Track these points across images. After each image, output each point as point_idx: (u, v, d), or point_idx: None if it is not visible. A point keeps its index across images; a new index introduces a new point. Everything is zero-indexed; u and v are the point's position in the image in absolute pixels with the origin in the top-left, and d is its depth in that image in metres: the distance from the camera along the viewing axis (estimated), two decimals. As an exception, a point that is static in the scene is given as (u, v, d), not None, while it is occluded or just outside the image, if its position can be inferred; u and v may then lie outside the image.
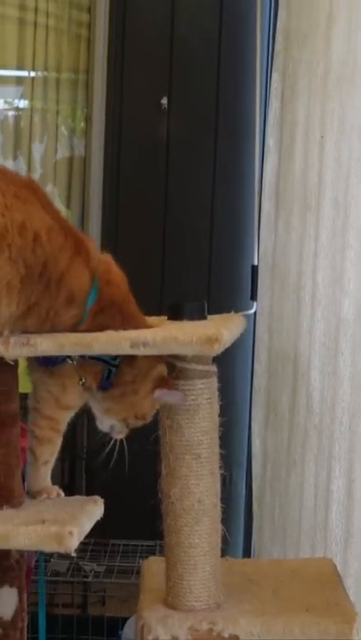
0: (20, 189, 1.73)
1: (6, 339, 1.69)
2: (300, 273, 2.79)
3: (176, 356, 1.79)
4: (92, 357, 1.78)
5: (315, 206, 2.72)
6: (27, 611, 1.88)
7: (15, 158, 4.15)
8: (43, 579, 2.60)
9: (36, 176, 4.06)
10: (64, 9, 4.09)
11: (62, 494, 1.88)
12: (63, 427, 1.86)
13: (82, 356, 1.78)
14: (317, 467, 2.67)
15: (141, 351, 1.68)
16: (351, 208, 2.56)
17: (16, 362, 1.75)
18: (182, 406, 1.82)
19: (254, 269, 3.31)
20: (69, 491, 1.93)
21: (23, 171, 4.02)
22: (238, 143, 3.81)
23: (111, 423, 1.86)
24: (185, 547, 1.85)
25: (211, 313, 1.90)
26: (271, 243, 3.00)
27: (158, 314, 1.91)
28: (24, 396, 1.85)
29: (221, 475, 1.89)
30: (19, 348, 1.68)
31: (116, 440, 1.87)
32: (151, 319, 1.86)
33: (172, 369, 1.82)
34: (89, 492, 1.94)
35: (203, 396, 1.82)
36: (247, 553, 3.59)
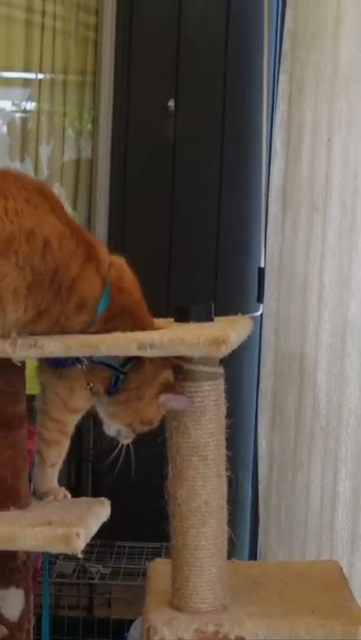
0: (31, 194, 1.73)
1: (14, 340, 1.69)
2: (307, 274, 2.79)
3: (183, 358, 1.79)
4: (101, 363, 1.78)
5: (322, 208, 2.71)
6: (33, 612, 1.88)
7: (22, 160, 4.16)
8: (47, 581, 2.60)
9: (43, 178, 4.07)
10: (71, 11, 4.09)
11: (69, 496, 1.88)
12: (71, 429, 1.86)
13: (91, 361, 1.78)
14: (324, 468, 2.67)
15: (148, 353, 1.68)
16: (358, 209, 2.55)
17: (23, 363, 1.76)
18: (189, 408, 1.82)
19: (261, 271, 3.31)
20: (75, 492, 1.93)
21: (30, 173, 4.03)
22: (245, 145, 3.81)
23: (117, 428, 1.87)
24: (191, 548, 1.85)
25: (217, 315, 1.90)
26: (278, 244, 3.00)
27: (165, 316, 1.91)
28: (31, 398, 1.85)
29: (228, 476, 1.89)
30: (26, 350, 1.69)
31: (122, 444, 1.87)
32: (158, 321, 1.86)
33: (179, 371, 1.82)
34: (95, 494, 1.94)
35: (209, 397, 1.82)
36: (253, 555, 3.59)
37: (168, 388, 1.80)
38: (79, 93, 4.16)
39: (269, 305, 3.06)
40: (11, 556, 1.80)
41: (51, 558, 3.22)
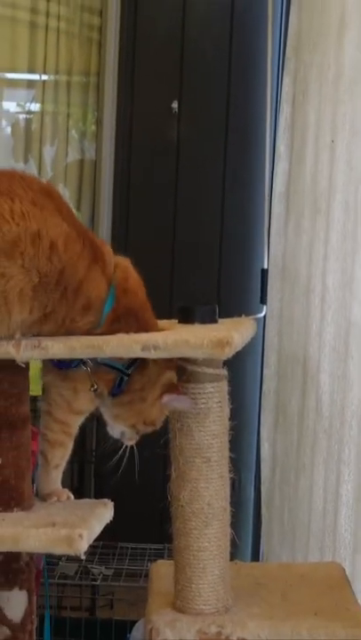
0: (37, 195, 1.73)
1: (17, 341, 1.69)
2: (310, 276, 2.79)
3: (187, 360, 1.79)
4: (105, 364, 1.79)
5: (325, 210, 2.72)
6: (36, 613, 1.88)
7: (26, 161, 4.16)
8: (47, 581, 2.61)
9: (47, 179, 4.07)
10: (75, 12, 4.10)
11: (72, 497, 1.88)
12: (75, 431, 1.86)
13: (96, 363, 1.78)
14: (327, 470, 2.67)
15: (152, 354, 1.68)
16: (362, 212, 2.56)
17: (27, 365, 1.76)
18: (192, 410, 1.82)
19: (264, 273, 3.31)
20: (78, 494, 1.93)
21: (34, 174, 4.03)
22: (248, 147, 3.81)
23: (121, 429, 1.87)
24: (194, 550, 1.85)
25: (221, 316, 1.90)
26: (281, 246, 3.00)
27: (168, 317, 1.91)
28: (34, 399, 1.86)
29: (231, 478, 1.89)
30: (30, 351, 1.69)
31: (126, 446, 1.87)
32: (161, 322, 1.86)
33: (183, 372, 1.82)
34: (98, 496, 1.94)
35: (213, 399, 1.82)
36: (256, 556, 3.59)
37: (171, 388, 1.80)
38: (83, 94, 4.16)
39: (273, 306, 3.06)
40: (14, 557, 1.80)
41: (53, 559, 3.23)
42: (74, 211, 1.83)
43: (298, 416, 2.87)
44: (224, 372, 1.84)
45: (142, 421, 1.83)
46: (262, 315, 3.25)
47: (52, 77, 4.14)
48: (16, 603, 1.82)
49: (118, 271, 1.81)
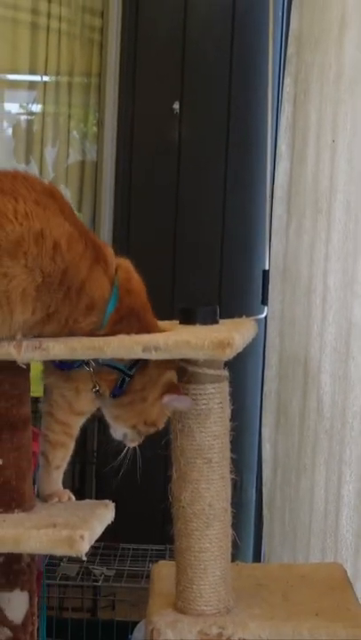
0: (40, 195, 1.73)
1: (19, 342, 1.69)
2: (312, 277, 2.79)
3: (188, 361, 1.79)
4: (107, 365, 1.79)
5: (326, 210, 2.72)
6: (37, 614, 1.88)
7: (27, 162, 4.16)
8: (45, 582, 2.61)
9: (48, 180, 4.07)
10: (77, 13, 4.10)
11: (73, 498, 1.88)
12: (76, 432, 1.86)
13: (98, 363, 1.78)
14: (328, 471, 2.67)
15: (153, 355, 1.68)
16: (363, 212, 2.56)
17: (28, 366, 1.76)
18: (194, 410, 1.82)
19: (265, 274, 3.31)
20: (79, 495, 1.93)
21: (35, 175, 4.03)
22: (250, 147, 3.82)
23: (124, 431, 1.86)
24: (195, 551, 1.85)
25: (222, 317, 1.90)
26: (283, 247, 3.00)
27: (169, 318, 1.91)
28: (35, 400, 1.86)
29: (232, 479, 1.89)
30: (31, 352, 1.69)
31: (128, 448, 1.87)
32: (162, 323, 1.86)
33: (184, 373, 1.82)
34: (99, 497, 1.94)
35: (214, 400, 1.82)
36: (257, 557, 3.59)
37: (171, 388, 1.80)
38: (84, 96, 4.16)
39: (274, 307, 3.06)
40: (15, 558, 1.80)
41: (55, 560, 3.23)
42: (75, 211, 1.83)
43: (299, 417, 2.86)
44: (225, 372, 1.84)
45: (143, 422, 1.83)
46: (263, 315, 3.26)
47: (54, 78, 4.14)
48: (17, 604, 1.82)
49: (120, 272, 1.81)
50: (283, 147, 3.01)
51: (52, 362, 1.79)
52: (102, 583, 3.33)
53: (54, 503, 1.85)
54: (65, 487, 1.89)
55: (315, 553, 2.72)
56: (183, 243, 3.89)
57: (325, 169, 2.73)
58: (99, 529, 1.76)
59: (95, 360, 1.76)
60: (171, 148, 3.88)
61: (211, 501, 1.84)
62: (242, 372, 3.67)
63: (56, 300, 1.71)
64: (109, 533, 1.86)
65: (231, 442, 1.88)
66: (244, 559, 3.51)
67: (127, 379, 1.80)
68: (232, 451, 1.88)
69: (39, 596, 1.98)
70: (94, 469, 3.84)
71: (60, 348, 1.68)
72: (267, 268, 3.31)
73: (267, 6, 3.53)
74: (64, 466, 1.87)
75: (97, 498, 1.93)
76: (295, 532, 2.87)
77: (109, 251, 1.82)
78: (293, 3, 3.01)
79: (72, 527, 1.68)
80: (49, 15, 4.09)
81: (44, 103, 4.17)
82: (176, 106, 3.87)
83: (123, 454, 1.87)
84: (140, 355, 1.69)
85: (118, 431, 1.87)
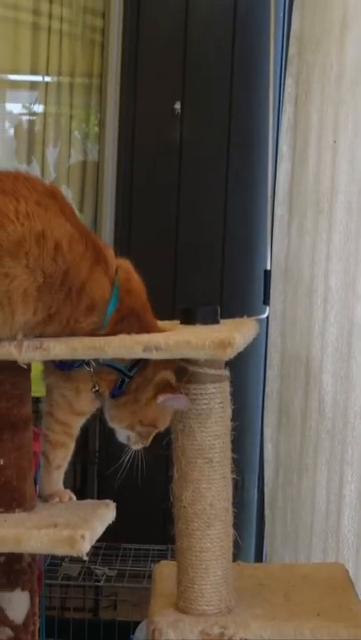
0: (41, 196, 1.73)
1: (19, 342, 1.69)
2: (313, 277, 2.79)
3: (188, 361, 1.79)
4: (108, 365, 1.79)
5: (328, 210, 2.71)
6: (38, 614, 1.88)
7: (29, 163, 4.17)
8: (44, 582, 2.61)
9: (50, 180, 4.07)
10: (78, 14, 4.11)
11: (74, 498, 1.88)
12: (76, 431, 1.86)
13: (98, 364, 1.78)
14: (330, 471, 2.67)
15: (154, 355, 1.68)
16: (364, 212, 2.56)
17: (29, 366, 1.76)
18: (194, 410, 1.82)
19: (267, 274, 3.31)
20: (81, 495, 1.93)
21: (37, 175, 4.03)
22: (251, 148, 3.82)
23: (126, 433, 1.86)
24: (196, 551, 1.85)
25: (223, 317, 1.90)
26: (284, 247, 3.00)
27: (171, 318, 1.91)
28: (36, 400, 1.86)
29: (233, 479, 1.89)
30: (31, 352, 1.69)
31: (132, 450, 1.87)
32: (163, 323, 1.86)
33: (185, 373, 1.82)
34: (100, 497, 1.94)
35: (215, 400, 1.82)
36: (259, 557, 3.59)
37: (166, 388, 1.79)
38: (86, 96, 4.17)
39: (275, 307, 3.06)
40: (16, 558, 1.80)
41: (56, 560, 3.23)
42: (76, 212, 1.83)
43: (301, 417, 2.86)
44: (226, 372, 1.84)
45: (139, 422, 1.83)
46: (265, 316, 3.25)
47: (55, 79, 4.15)
48: (18, 604, 1.82)
49: (121, 272, 1.81)
50: (284, 147, 3.01)
51: (53, 362, 1.80)
52: (104, 583, 3.33)
53: (55, 503, 1.85)
54: (66, 487, 1.90)
55: (316, 553, 2.72)
56: (185, 243, 3.89)
57: (327, 170, 2.73)
58: (100, 529, 1.76)
59: (95, 360, 1.77)
60: (172, 149, 3.88)
61: (212, 501, 1.84)
62: (243, 371, 3.67)
63: (57, 300, 1.72)
64: (111, 533, 1.86)
65: (233, 442, 1.88)
66: (246, 559, 3.51)
67: (127, 379, 1.80)
68: (234, 451, 1.88)
69: (40, 596, 1.98)
70: (96, 469, 3.84)
71: (60, 348, 1.69)
72: (268, 268, 3.32)
73: (268, 7, 3.53)
74: (65, 466, 1.88)
75: (98, 498, 1.93)
76: (297, 531, 2.87)
77: (110, 251, 1.83)
78: (295, 3, 3.01)
79: (73, 527, 1.68)
80: (50, 16, 4.09)
81: (45, 103, 4.17)
82: (177, 106, 3.87)
83: (126, 457, 1.87)
84: (140, 354, 1.69)
85: (122, 434, 1.87)
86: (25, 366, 1.73)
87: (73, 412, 1.83)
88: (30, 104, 4.24)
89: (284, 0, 3.56)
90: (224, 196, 3.87)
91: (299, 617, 1.85)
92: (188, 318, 1.86)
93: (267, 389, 3.11)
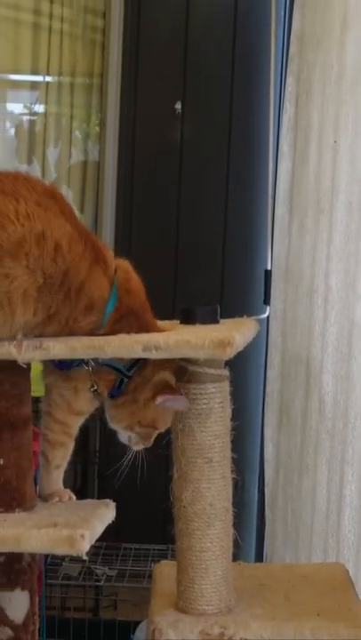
0: (41, 197, 1.73)
1: (19, 342, 1.69)
2: (314, 277, 2.79)
3: (188, 360, 1.79)
4: (107, 365, 1.79)
5: (328, 210, 2.71)
6: (38, 614, 1.88)
7: (30, 163, 4.17)
8: (45, 582, 2.61)
9: (51, 180, 4.08)
10: (79, 14, 4.11)
11: (74, 498, 1.88)
12: (75, 431, 1.86)
13: (98, 363, 1.78)
14: (330, 471, 2.67)
15: (154, 354, 1.68)
16: (365, 212, 2.56)
17: (29, 365, 1.76)
18: (194, 410, 1.81)
19: (267, 274, 3.31)
20: (81, 494, 1.93)
21: (37, 175, 4.04)
22: (252, 147, 3.81)
23: (127, 434, 1.86)
24: (196, 550, 1.85)
25: (224, 317, 1.90)
26: (285, 247, 3.00)
27: (171, 318, 1.91)
28: (36, 400, 1.86)
29: (234, 479, 1.89)
30: (31, 352, 1.69)
31: (133, 451, 1.87)
32: (163, 323, 1.86)
33: (184, 373, 1.82)
34: (101, 496, 1.94)
35: (215, 400, 1.82)
36: (259, 557, 3.59)
37: (164, 388, 1.79)
38: (86, 96, 4.17)
39: (276, 307, 3.06)
40: (16, 557, 1.80)
41: (57, 560, 3.23)
42: (76, 212, 1.83)
43: (301, 417, 2.86)
44: (226, 372, 1.84)
45: (137, 423, 1.83)
46: (266, 315, 3.25)
47: (56, 79, 4.15)
48: (18, 603, 1.82)
49: (120, 272, 1.81)
50: (285, 147, 3.01)
51: (52, 362, 1.80)
52: (104, 583, 3.33)
53: (55, 503, 1.85)
54: (67, 487, 1.90)
55: (317, 553, 2.72)
56: (185, 242, 3.89)
57: (327, 169, 2.73)
58: (99, 528, 1.76)
59: (94, 360, 1.77)
60: (173, 149, 3.88)
61: (212, 501, 1.84)
62: (244, 371, 3.67)
63: (57, 301, 1.72)
64: (111, 533, 1.86)
65: (233, 442, 1.88)
66: (247, 559, 3.51)
67: (125, 380, 1.80)
68: (234, 450, 1.88)
69: (40, 596, 1.98)
70: (96, 469, 3.84)
71: (60, 348, 1.69)
72: (269, 268, 3.31)
73: (269, 6, 3.52)
74: (64, 465, 1.88)
75: (99, 497, 1.93)
76: (297, 531, 2.87)
77: (109, 252, 1.83)
78: (295, 3, 3.01)
79: (73, 526, 1.68)
80: (51, 16, 4.09)
81: (46, 103, 4.17)
82: (178, 106, 3.87)
83: (127, 457, 1.87)
84: (140, 354, 1.69)
85: (123, 435, 1.87)
86: (25, 366, 1.73)
87: (71, 412, 1.83)
88: (31, 104, 4.24)
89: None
90: (225, 195, 3.87)
91: (299, 617, 1.84)
92: (188, 318, 1.85)
93: (267, 389, 3.11)
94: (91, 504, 1.86)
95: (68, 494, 1.88)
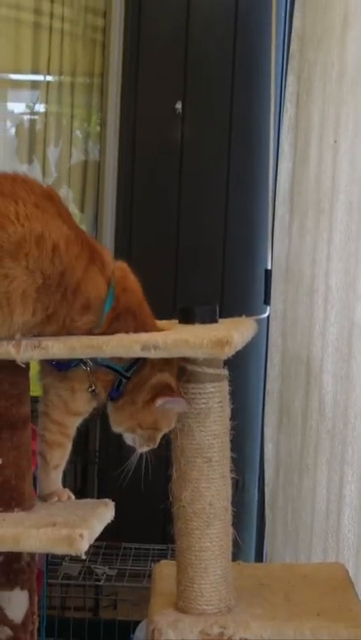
0: (39, 198, 1.74)
1: (18, 342, 1.69)
2: (314, 277, 2.79)
3: (187, 360, 1.79)
4: (105, 366, 1.79)
5: (328, 210, 2.71)
6: (37, 613, 1.88)
7: (30, 162, 4.16)
8: (45, 581, 2.61)
9: (51, 180, 4.08)
10: (79, 14, 4.10)
11: (73, 497, 1.88)
12: (72, 431, 1.86)
13: (96, 363, 1.78)
14: (330, 471, 2.67)
15: (152, 354, 1.68)
16: (365, 212, 2.56)
17: (27, 365, 1.76)
18: (193, 410, 1.81)
19: (268, 273, 3.31)
20: (81, 494, 1.93)
21: (38, 175, 4.04)
22: (252, 147, 3.81)
23: (130, 436, 1.86)
24: (196, 550, 1.85)
25: (224, 317, 1.90)
26: (285, 247, 3.00)
27: (171, 318, 1.91)
28: (35, 400, 1.86)
29: (234, 479, 1.89)
30: (30, 351, 1.69)
31: (134, 450, 1.87)
32: (162, 323, 1.86)
33: (183, 373, 1.81)
34: (101, 496, 1.94)
35: (214, 399, 1.82)
36: (260, 557, 3.58)
37: (163, 390, 1.79)
38: (87, 96, 4.16)
39: (276, 307, 3.05)
40: (15, 557, 1.80)
41: (57, 560, 3.23)
42: (76, 212, 1.84)
43: (301, 416, 2.86)
44: (225, 371, 1.84)
45: (138, 425, 1.83)
46: (266, 315, 3.25)
47: (56, 78, 4.14)
48: (17, 603, 1.82)
49: (117, 271, 1.82)
50: (285, 147, 3.01)
51: (49, 362, 1.80)
52: (104, 582, 3.33)
53: (54, 502, 1.85)
54: (67, 487, 1.90)
55: (317, 553, 2.72)
56: (185, 243, 3.89)
57: (328, 169, 2.73)
58: (98, 528, 1.76)
59: (93, 360, 1.77)
60: (173, 148, 3.88)
61: (211, 500, 1.84)
62: (244, 371, 3.66)
63: (54, 301, 1.72)
64: (111, 533, 1.86)
65: (233, 441, 1.88)
66: (247, 559, 3.51)
67: (124, 381, 1.79)
68: (234, 450, 1.88)
69: (39, 595, 1.98)
70: (96, 469, 3.84)
71: (59, 347, 1.69)
72: (269, 267, 3.31)
73: (269, 6, 3.52)
74: (63, 465, 1.88)
75: (99, 497, 1.93)
76: (297, 531, 2.87)
77: (106, 252, 1.84)
78: (296, 2, 3.01)
79: (71, 526, 1.68)
80: (51, 15, 4.09)
81: (46, 103, 4.17)
82: (178, 106, 3.86)
83: (131, 459, 1.86)
84: (139, 353, 1.69)
85: (128, 436, 1.87)
86: (23, 365, 1.73)
87: (68, 412, 1.83)
88: (31, 103, 4.24)
89: (286, -1, 3.56)
90: (225, 195, 3.86)
91: (299, 617, 1.85)
92: (187, 317, 1.85)
93: (267, 389, 3.10)
94: (90, 503, 1.86)
95: (67, 494, 1.88)
